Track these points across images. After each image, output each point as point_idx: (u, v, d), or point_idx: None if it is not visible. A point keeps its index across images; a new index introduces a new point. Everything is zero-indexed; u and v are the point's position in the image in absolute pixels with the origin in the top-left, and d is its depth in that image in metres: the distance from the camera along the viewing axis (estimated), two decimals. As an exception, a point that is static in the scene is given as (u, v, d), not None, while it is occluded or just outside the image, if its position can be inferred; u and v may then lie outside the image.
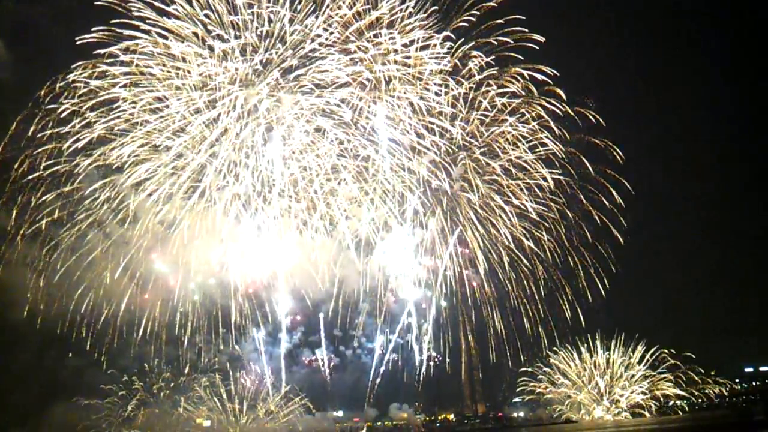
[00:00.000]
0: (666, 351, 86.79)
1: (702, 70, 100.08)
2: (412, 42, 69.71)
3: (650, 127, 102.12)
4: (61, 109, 65.85)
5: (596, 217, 74.58)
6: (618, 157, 73.25)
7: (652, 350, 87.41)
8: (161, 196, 69.09)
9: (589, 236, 75.18)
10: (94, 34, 64.64)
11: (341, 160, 72.18)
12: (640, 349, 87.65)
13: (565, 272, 77.48)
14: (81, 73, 65.32)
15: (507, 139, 74.09)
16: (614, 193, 73.56)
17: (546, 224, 76.04)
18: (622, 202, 73.61)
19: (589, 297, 76.22)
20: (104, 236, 69.96)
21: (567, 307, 77.24)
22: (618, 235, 74.09)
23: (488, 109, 72.66)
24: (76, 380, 74.71)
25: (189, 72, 66.78)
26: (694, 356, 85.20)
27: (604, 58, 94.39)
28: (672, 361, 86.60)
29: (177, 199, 69.78)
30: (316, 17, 67.93)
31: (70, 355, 74.75)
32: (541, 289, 77.05)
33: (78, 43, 64.38)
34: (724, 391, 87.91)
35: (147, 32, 65.85)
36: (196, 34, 67.14)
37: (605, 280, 75.90)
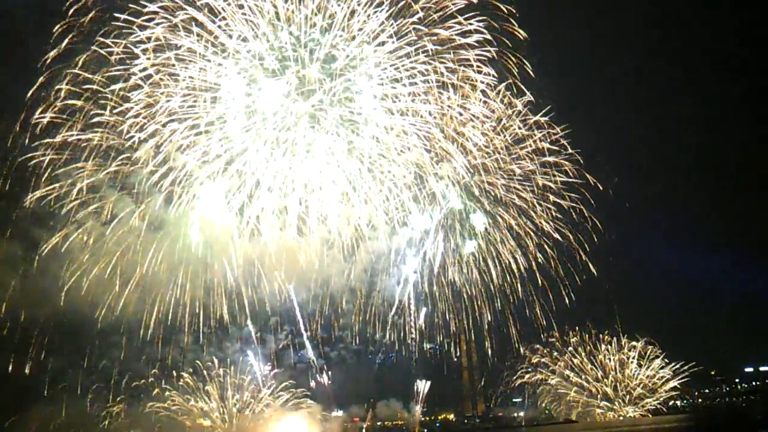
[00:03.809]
0: (665, 350, 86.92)
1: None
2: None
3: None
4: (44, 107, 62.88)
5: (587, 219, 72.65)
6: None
7: (652, 350, 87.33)
8: (144, 193, 66.49)
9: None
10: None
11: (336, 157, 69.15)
12: (640, 348, 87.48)
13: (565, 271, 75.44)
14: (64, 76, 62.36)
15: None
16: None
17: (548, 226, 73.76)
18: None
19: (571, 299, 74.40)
20: (86, 235, 66.70)
21: (568, 304, 75.45)
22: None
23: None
24: (58, 380, 71.61)
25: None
26: (694, 356, 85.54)
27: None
28: (672, 362, 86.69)
29: (160, 197, 66.88)
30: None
31: (51, 354, 70.69)
32: (531, 287, 74.76)
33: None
34: (724, 391, 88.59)
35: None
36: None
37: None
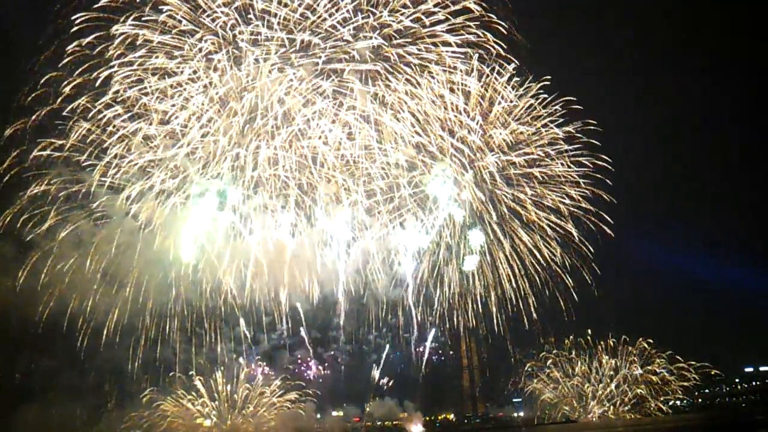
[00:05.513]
0: (665, 351, 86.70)
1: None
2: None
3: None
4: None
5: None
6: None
7: (653, 350, 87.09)
8: (133, 192, 65.72)
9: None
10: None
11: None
12: (640, 348, 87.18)
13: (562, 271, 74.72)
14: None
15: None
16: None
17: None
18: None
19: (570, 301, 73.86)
20: (76, 235, 66.11)
21: (565, 306, 75.02)
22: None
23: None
24: (50, 382, 71.30)
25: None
26: (694, 356, 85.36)
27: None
28: (672, 362, 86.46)
29: (150, 196, 66.24)
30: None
31: (42, 358, 70.69)
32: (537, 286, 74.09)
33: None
34: (724, 391, 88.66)
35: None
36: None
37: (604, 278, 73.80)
